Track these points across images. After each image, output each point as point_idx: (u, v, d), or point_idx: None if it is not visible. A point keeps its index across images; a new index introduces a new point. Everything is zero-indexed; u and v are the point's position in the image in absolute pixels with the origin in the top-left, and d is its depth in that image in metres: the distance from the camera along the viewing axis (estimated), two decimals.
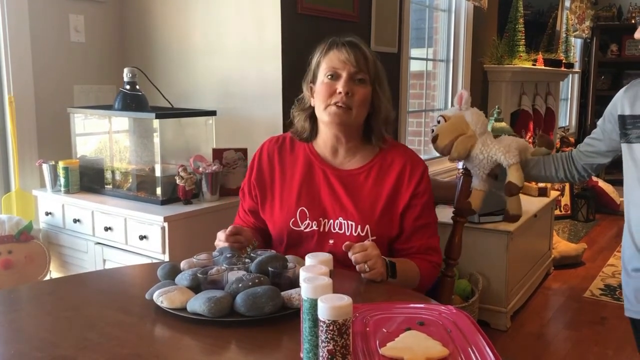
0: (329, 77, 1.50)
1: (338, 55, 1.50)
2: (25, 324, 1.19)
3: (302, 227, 1.54)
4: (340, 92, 1.48)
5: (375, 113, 1.56)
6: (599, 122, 1.68)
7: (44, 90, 2.58)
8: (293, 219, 1.55)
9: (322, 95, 1.50)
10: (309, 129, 1.60)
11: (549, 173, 1.74)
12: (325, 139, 1.58)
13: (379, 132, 1.58)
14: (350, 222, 1.51)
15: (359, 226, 1.50)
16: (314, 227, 1.53)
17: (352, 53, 1.49)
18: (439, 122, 1.71)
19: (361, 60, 1.49)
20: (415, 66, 3.75)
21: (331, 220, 1.53)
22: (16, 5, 2.46)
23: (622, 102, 1.56)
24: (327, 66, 1.51)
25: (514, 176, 1.63)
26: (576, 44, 6.27)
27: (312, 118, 1.59)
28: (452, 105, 1.78)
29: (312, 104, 1.57)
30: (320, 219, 1.53)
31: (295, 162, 1.60)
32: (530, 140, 4.62)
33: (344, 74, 1.48)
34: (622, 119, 1.55)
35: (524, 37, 4.43)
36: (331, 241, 1.52)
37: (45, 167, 2.43)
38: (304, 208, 1.54)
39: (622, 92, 1.58)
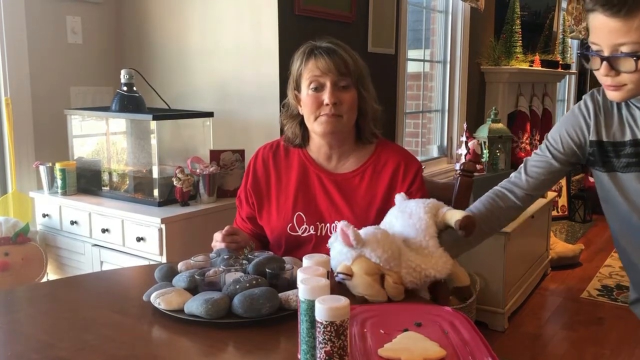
0: (313, 89, 1.49)
1: (318, 65, 1.48)
2: (23, 325, 1.19)
3: (300, 232, 1.54)
4: (327, 104, 1.47)
5: (363, 114, 1.56)
6: (551, 145, 1.47)
7: (40, 92, 2.58)
8: (290, 224, 1.55)
9: (309, 108, 1.50)
10: (301, 135, 1.59)
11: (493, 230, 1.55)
12: (318, 146, 1.59)
13: (369, 130, 1.58)
14: None
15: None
16: (312, 232, 1.54)
17: (331, 61, 1.47)
18: (343, 280, 1.24)
19: (342, 67, 1.48)
20: (412, 67, 3.76)
21: (328, 224, 1.53)
22: (13, 6, 2.46)
23: (596, 126, 1.40)
24: (308, 77, 1.50)
25: (458, 279, 1.34)
26: (573, 45, 6.28)
27: (303, 124, 1.58)
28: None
29: (300, 112, 1.57)
30: (317, 223, 1.54)
31: (290, 167, 1.60)
32: (527, 141, 4.64)
33: (328, 83, 1.48)
34: (600, 145, 1.40)
35: (521, 39, 4.44)
36: (329, 245, 1.52)
37: (42, 168, 2.43)
38: (300, 213, 1.54)
39: (591, 115, 1.41)
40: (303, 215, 1.54)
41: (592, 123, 1.41)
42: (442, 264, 1.27)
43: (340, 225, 1.22)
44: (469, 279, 1.37)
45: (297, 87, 1.55)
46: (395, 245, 1.26)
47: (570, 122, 1.45)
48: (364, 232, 1.25)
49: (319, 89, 1.49)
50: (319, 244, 1.53)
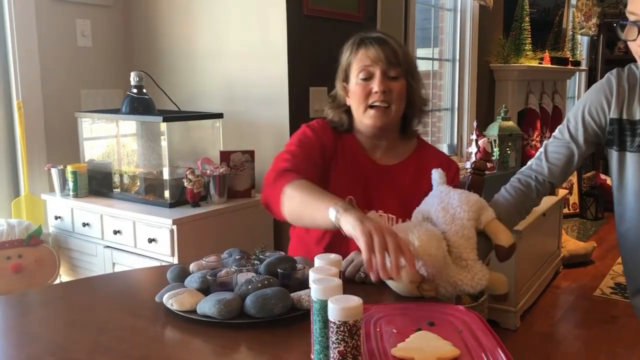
0: (362, 78, 1.48)
1: (368, 54, 1.48)
2: (36, 327, 1.20)
3: None
4: (376, 92, 1.46)
5: (411, 104, 1.55)
6: (572, 126, 1.46)
7: (51, 95, 2.60)
8: None
9: (358, 97, 1.49)
10: (347, 121, 1.57)
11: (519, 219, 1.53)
12: (365, 136, 1.56)
13: (416, 121, 1.59)
14: (390, 216, 1.50)
15: (400, 220, 1.48)
16: None
17: (382, 50, 1.47)
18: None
19: (391, 56, 1.47)
20: (421, 66, 3.74)
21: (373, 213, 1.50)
22: (23, 11, 2.48)
23: (617, 103, 1.40)
24: (358, 66, 1.49)
25: (493, 289, 1.30)
26: (583, 41, 6.24)
27: (349, 112, 1.56)
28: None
29: (347, 103, 1.55)
30: (365, 210, 1.49)
31: (344, 149, 1.57)
32: (537, 139, 4.61)
33: (377, 72, 1.47)
34: (619, 123, 1.39)
35: (530, 36, 4.42)
36: None
37: (53, 171, 2.44)
38: (352, 198, 1.49)
39: (613, 91, 1.40)
40: (354, 201, 1.48)
41: (614, 100, 1.39)
42: (478, 280, 1.23)
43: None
44: (506, 285, 1.30)
45: (346, 78, 1.54)
46: (443, 259, 1.21)
47: (592, 99, 1.44)
48: (419, 236, 1.19)
49: (368, 78, 1.48)
50: None
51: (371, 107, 1.49)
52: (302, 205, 1.29)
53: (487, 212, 1.30)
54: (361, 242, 1.04)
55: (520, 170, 1.54)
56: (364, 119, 1.50)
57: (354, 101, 1.51)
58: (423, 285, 1.22)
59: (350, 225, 1.13)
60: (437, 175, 1.38)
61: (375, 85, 1.47)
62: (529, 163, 1.54)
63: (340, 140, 1.57)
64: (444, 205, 1.29)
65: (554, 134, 1.52)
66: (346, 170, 1.54)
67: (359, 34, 1.54)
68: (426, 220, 1.32)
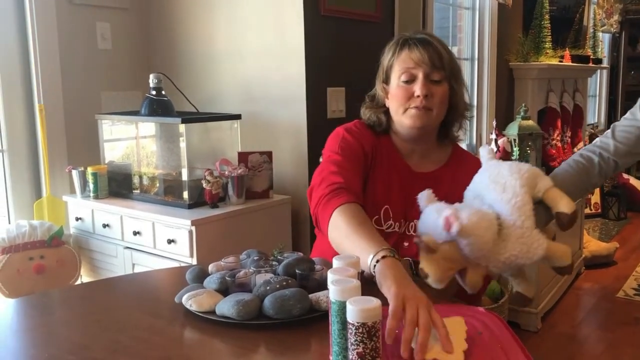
0: (404, 81, 1.44)
1: (411, 56, 1.43)
2: (58, 327, 1.21)
3: (384, 227, 1.46)
4: (418, 95, 1.41)
5: (453, 109, 1.50)
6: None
7: (72, 98, 2.63)
8: (376, 217, 1.46)
9: (399, 100, 1.45)
10: (386, 121, 1.53)
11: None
12: (402, 140, 1.53)
13: (457, 127, 1.54)
14: None
15: None
16: (396, 229, 1.47)
17: (425, 52, 1.42)
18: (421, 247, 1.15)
19: (436, 59, 1.42)
20: None
21: (408, 222, 1.47)
22: (44, 15, 2.51)
23: None
24: (400, 68, 1.44)
25: (555, 259, 1.19)
26: (604, 39, 6.15)
27: (387, 114, 1.52)
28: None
29: (386, 104, 1.51)
30: (402, 220, 1.47)
31: (381, 153, 1.52)
32: (558, 138, 4.55)
33: (420, 75, 1.42)
34: None
35: (550, 34, 4.36)
36: (406, 244, 1.45)
37: (74, 173, 2.47)
38: (388, 207, 1.47)
39: None
40: (390, 210, 1.47)
41: None
42: (534, 250, 1.14)
43: (446, 214, 1.11)
44: (569, 255, 1.18)
45: (386, 80, 1.50)
46: (491, 241, 1.13)
47: None
48: (468, 216, 1.11)
49: (410, 81, 1.43)
50: (399, 242, 1.46)
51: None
52: (345, 240, 1.25)
53: (544, 180, 1.25)
54: (390, 308, 0.97)
55: (584, 147, 1.49)
56: (404, 119, 1.45)
57: (394, 103, 1.47)
58: (471, 274, 1.15)
59: (385, 284, 1.05)
60: (484, 151, 1.34)
61: (417, 89, 1.41)
62: (593, 141, 1.48)
63: (378, 143, 1.52)
64: (494, 177, 1.24)
65: (624, 116, 1.47)
66: (383, 176, 1.50)
67: (402, 35, 1.49)
68: (477, 198, 1.26)
